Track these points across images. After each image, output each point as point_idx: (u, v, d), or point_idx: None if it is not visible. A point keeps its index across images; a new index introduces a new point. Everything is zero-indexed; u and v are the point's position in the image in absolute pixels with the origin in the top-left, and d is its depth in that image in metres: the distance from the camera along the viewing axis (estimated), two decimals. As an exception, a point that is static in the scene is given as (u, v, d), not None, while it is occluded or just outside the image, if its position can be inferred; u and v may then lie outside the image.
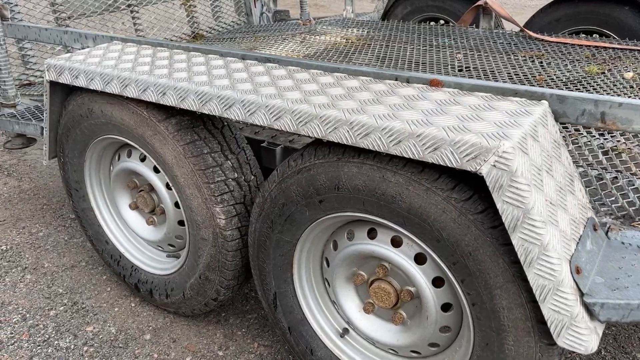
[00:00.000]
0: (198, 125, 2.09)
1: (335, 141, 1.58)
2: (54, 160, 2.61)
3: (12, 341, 2.42)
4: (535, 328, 1.47)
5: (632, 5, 3.74)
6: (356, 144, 1.54)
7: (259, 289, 2.10)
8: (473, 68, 3.19)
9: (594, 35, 3.90)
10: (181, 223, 2.32)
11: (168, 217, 2.33)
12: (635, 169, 1.99)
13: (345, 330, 2.01)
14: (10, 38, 3.12)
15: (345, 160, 1.63)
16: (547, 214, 1.38)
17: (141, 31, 4.27)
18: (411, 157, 1.45)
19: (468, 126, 1.43)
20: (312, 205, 1.76)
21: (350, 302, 1.95)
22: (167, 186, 2.28)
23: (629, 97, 2.71)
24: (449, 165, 1.40)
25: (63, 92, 2.42)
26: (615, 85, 2.85)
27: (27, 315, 2.57)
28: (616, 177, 1.92)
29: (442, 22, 4.52)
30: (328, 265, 1.94)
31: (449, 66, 3.24)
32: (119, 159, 2.43)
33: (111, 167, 2.51)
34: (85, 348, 2.38)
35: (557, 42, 3.58)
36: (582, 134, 2.31)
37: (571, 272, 1.39)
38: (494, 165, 1.34)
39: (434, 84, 1.76)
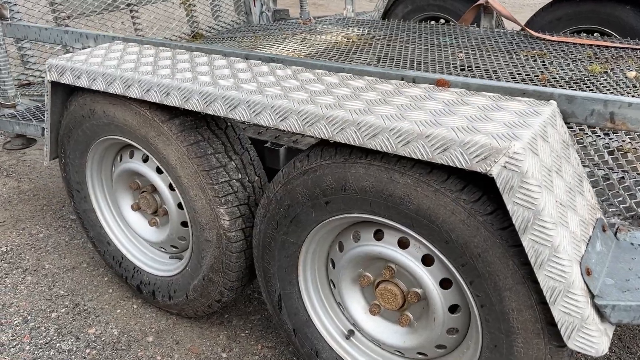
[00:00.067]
0: (202, 125, 2.07)
1: (343, 142, 1.57)
2: (54, 160, 2.59)
3: (14, 344, 2.40)
4: (545, 330, 1.46)
5: (633, 4, 3.73)
6: (364, 144, 1.53)
7: (264, 290, 2.09)
8: (475, 67, 3.18)
9: (595, 34, 3.89)
10: (184, 224, 2.30)
11: (171, 218, 2.31)
12: (641, 169, 1.98)
13: (351, 332, 2.00)
14: (9, 38, 3.10)
15: (352, 161, 1.62)
16: (558, 215, 1.37)
17: (140, 31, 4.25)
18: (420, 158, 1.44)
19: (477, 127, 1.42)
20: (318, 206, 1.75)
21: (356, 304, 1.93)
22: (170, 187, 2.26)
23: (633, 96, 2.70)
24: (459, 167, 1.38)
25: (64, 93, 2.40)
26: (618, 84, 2.84)
27: (29, 318, 2.55)
28: (623, 177, 1.91)
29: (442, 21, 4.51)
30: (334, 267, 1.93)
31: (451, 65, 3.23)
32: (121, 159, 2.41)
33: (113, 168, 2.49)
34: (87, 350, 2.36)
35: (559, 42, 3.57)
36: (587, 133, 2.30)
37: (582, 274, 1.38)
38: (505, 167, 1.33)
39: (441, 84, 1.75)
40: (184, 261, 2.34)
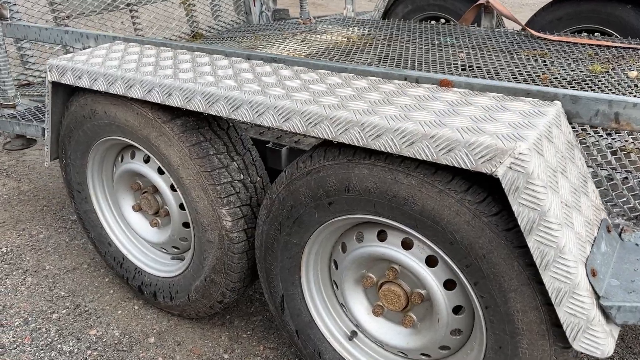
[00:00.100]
0: (204, 126, 2.06)
1: (346, 143, 1.56)
2: (54, 161, 2.58)
3: (15, 345, 2.39)
4: (550, 331, 1.46)
5: (634, 4, 3.73)
6: (368, 145, 1.52)
7: (266, 291, 2.08)
8: (476, 67, 3.17)
9: (596, 34, 3.89)
10: (186, 225, 2.30)
11: (172, 219, 2.30)
12: (645, 169, 1.98)
13: (354, 333, 1.99)
14: (8, 38, 3.08)
15: (356, 162, 1.61)
16: (563, 216, 1.37)
17: (140, 30, 4.24)
18: (424, 158, 1.43)
19: (482, 127, 1.41)
20: (321, 207, 1.74)
21: (359, 305, 1.93)
22: (172, 188, 2.26)
23: (635, 96, 2.70)
24: (464, 167, 1.38)
25: (65, 93, 2.39)
26: (620, 84, 2.84)
27: (29, 319, 2.54)
28: (626, 178, 1.91)
29: (442, 21, 4.50)
30: (336, 268, 1.92)
31: (452, 65, 3.22)
32: (122, 160, 2.40)
33: (114, 169, 2.48)
34: (89, 352, 2.35)
35: (560, 41, 3.57)
36: (589, 133, 2.29)
37: (587, 275, 1.37)
38: (510, 167, 1.32)
39: (444, 84, 1.74)
40: (185, 262, 2.34)
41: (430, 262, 1.68)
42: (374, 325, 1.91)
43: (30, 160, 4.13)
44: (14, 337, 2.43)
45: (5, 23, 3.01)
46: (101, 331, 2.46)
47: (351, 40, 3.81)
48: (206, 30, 4.62)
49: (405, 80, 1.82)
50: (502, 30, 3.88)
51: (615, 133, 2.27)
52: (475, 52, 3.44)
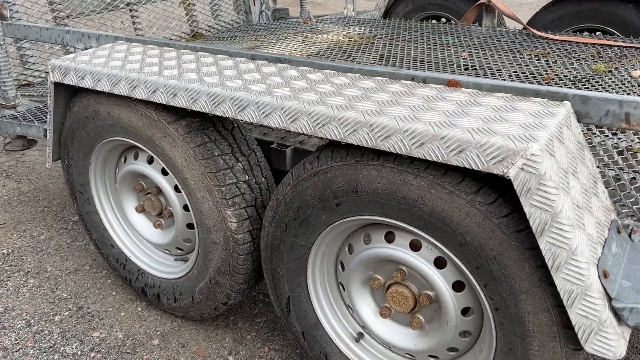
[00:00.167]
0: (208, 127, 2.05)
1: (355, 144, 1.55)
2: (55, 162, 2.56)
3: (17, 347, 2.37)
4: (561, 333, 1.45)
5: (636, 3, 3.72)
6: (376, 146, 1.51)
7: (272, 293, 2.07)
8: (479, 67, 3.16)
9: (597, 33, 3.88)
10: (190, 226, 2.28)
11: (176, 220, 2.29)
12: (652, 169, 1.97)
13: (360, 335, 1.98)
14: (8, 38, 3.06)
15: (364, 163, 1.60)
16: (575, 217, 1.36)
17: (140, 30, 4.22)
18: (435, 160, 1.42)
19: (493, 128, 1.40)
20: (328, 208, 1.73)
21: (366, 307, 1.92)
22: (176, 189, 2.24)
23: (638, 95, 2.69)
24: (475, 169, 1.37)
25: (67, 93, 2.37)
26: (624, 83, 2.83)
27: (32, 321, 2.52)
28: (634, 178, 1.90)
29: (443, 20, 4.49)
30: (343, 269, 1.91)
31: (455, 65, 3.21)
32: (125, 161, 2.39)
33: (117, 170, 2.46)
34: (92, 354, 2.33)
35: (562, 40, 3.56)
36: (595, 133, 2.29)
37: (599, 277, 1.37)
38: (522, 168, 1.31)
39: (452, 84, 1.73)
40: (189, 263, 2.32)
41: (439, 263, 1.67)
42: (381, 326, 1.90)
43: (30, 161, 4.10)
44: (17, 340, 2.41)
45: (5, 23, 2.99)
46: (104, 333, 2.45)
47: (353, 39, 3.80)
48: (206, 30, 4.60)
49: (412, 80, 1.81)
50: (504, 29, 3.87)
51: (621, 133, 2.27)
52: (477, 51, 3.43)
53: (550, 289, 1.42)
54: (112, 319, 2.53)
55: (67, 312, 2.57)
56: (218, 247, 2.09)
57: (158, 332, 2.45)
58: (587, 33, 3.80)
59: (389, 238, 1.75)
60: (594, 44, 3.45)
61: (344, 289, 1.95)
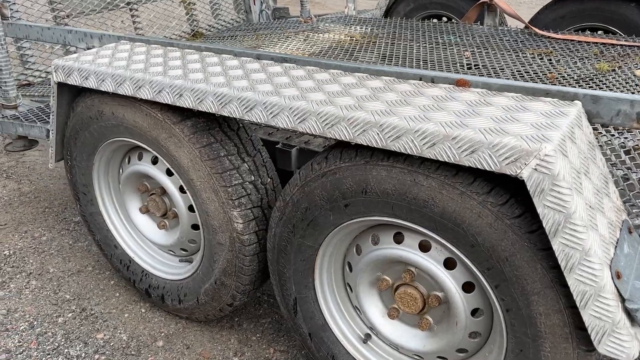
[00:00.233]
0: (214, 127, 2.04)
1: (364, 144, 1.54)
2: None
3: (21, 350, 2.35)
4: (574, 334, 1.44)
5: (638, 2, 3.72)
6: (387, 146, 1.50)
7: (278, 294, 2.05)
8: (482, 66, 3.15)
9: (599, 32, 3.88)
10: (195, 227, 2.27)
11: (181, 221, 2.27)
12: (660, 168, 1.96)
13: (368, 336, 1.97)
14: (8, 37, 3.04)
15: (374, 164, 1.59)
16: (588, 218, 1.35)
17: (140, 29, 4.21)
18: (446, 160, 1.41)
19: (505, 128, 1.39)
20: (336, 209, 1.72)
21: (374, 308, 1.90)
22: (181, 189, 2.22)
23: (643, 94, 2.68)
24: (487, 169, 1.36)
25: (70, 94, 2.35)
26: (628, 82, 2.83)
27: (35, 323, 2.50)
28: (643, 178, 1.89)
29: (445, 19, 4.48)
30: (350, 270, 1.90)
31: (458, 64, 3.20)
32: (129, 161, 2.37)
33: (120, 171, 2.45)
34: (96, 356, 2.32)
35: (564, 39, 3.55)
36: (601, 133, 2.28)
37: (612, 278, 1.36)
38: (536, 169, 1.30)
39: (461, 84, 1.72)
40: (194, 264, 2.31)
41: (448, 264, 1.66)
42: (389, 328, 1.89)
43: (30, 162, 4.08)
44: (20, 342, 2.40)
45: (6, 22, 2.97)
46: (108, 335, 2.43)
47: (354, 39, 3.78)
48: (206, 29, 4.59)
49: (421, 80, 1.80)
50: (506, 28, 3.86)
51: (628, 132, 2.26)
52: (480, 50, 3.42)
53: (563, 290, 1.41)
54: (115, 321, 2.51)
55: (70, 314, 2.56)
56: (224, 248, 2.08)
57: (162, 334, 2.43)
58: (589, 32, 3.79)
59: (398, 239, 1.74)
60: (597, 43, 3.44)
61: (351, 290, 1.94)
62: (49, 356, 2.32)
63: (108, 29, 4.15)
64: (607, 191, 1.52)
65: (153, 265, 2.48)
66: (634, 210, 1.72)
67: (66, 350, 2.35)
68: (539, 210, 1.33)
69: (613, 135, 2.25)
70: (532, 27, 3.71)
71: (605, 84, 2.81)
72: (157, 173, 2.25)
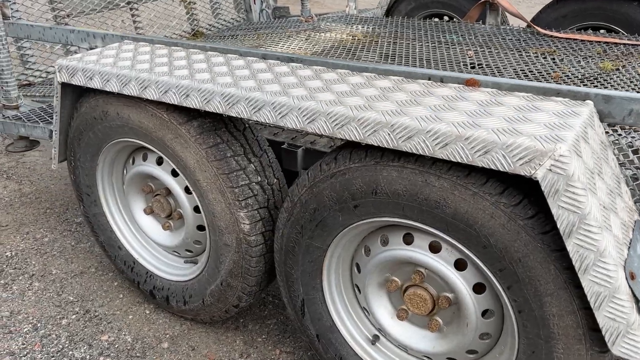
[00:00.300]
0: (220, 127, 2.02)
1: (375, 145, 1.53)
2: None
3: (25, 352, 2.34)
4: (587, 335, 1.43)
5: (640, 1, 3.72)
6: (398, 147, 1.49)
7: (285, 295, 2.04)
8: (486, 65, 3.15)
9: (601, 31, 3.88)
10: (200, 228, 2.25)
11: (187, 222, 2.26)
12: (669, 168, 1.95)
13: (376, 337, 1.96)
14: (9, 37, 3.02)
15: (384, 164, 1.58)
16: (602, 218, 1.34)
17: (141, 29, 4.19)
18: (459, 161, 1.40)
19: (518, 128, 1.38)
20: (346, 210, 1.71)
21: (383, 309, 1.89)
22: (186, 190, 2.21)
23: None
24: (501, 170, 1.35)
25: (74, 94, 2.34)
26: (632, 81, 2.82)
27: (39, 325, 2.49)
28: (652, 177, 1.89)
29: (446, 18, 4.47)
30: (359, 271, 1.89)
31: (461, 63, 3.19)
32: (133, 162, 2.35)
33: (125, 171, 2.43)
34: (101, 358, 2.30)
35: (567, 39, 3.55)
36: (608, 132, 2.27)
37: (626, 279, 1.35)
38: (550, 170, 1.29)
39: (471, 83, 1.71)
40: (199, 265, 2.29)
41: (459, 265, 1.65)
42: (398, 329, 1.88)
43: (31, 162, 4.05)
44: (24, 344, 2.38)
45: (7, 22, 2.95)
46: (113, 337, 2.42)
47: (356, 38, 3.77)
48: (206, 29, 4.57)
49: (429, 79, 1.79)
50: (508, 27, 3.85)
51: (635, 131, 2.25)
52: (482, 49, 3.41)
53: (577, 291, 1.40)
54: (120, 322, 2.50)
55: (74, 316, 2.54)
56: (230, 249, 2.06)
57: (167, 335, 2.42)
58: (591, 31, 3.79)
59: (407, 239, 1.73)
60: (600, 42, 3.43)
61: (359, 291, 1.93)
62: (53, 358, 2.30)
63: (108, 28, 4.13)
64: (619, 191, 1.51)
65: (157, 267, 2.46)
66: (644, 211, 1.71)
67: (71, 352, 2.34)
68: (554, 211, 1.32)
69: (620, 134, 2.24)
70: (535, 26, 3.71)
71: (610, 83, 2.81)
72: (162, 174, 2.23)
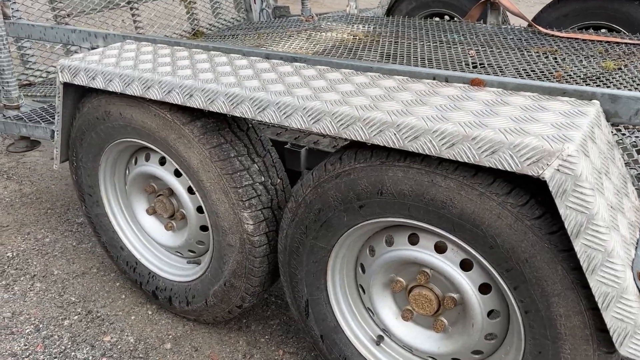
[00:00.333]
0: (224, 127, 2.01)
1: (381, 145, 1.52)
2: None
3: (27, 353, 2.33)
4: (594, 336, 1.43)
5: (641, 0, 3.72)
6: (404, 147, 1.48)
7: (289, 296, 2.03)
8: (488, 64, 3.14)
9: (603, 30, 3.87)
10: (203, 228, 2.24)
11: (189, 223, 2.25)
12: (673, 167, 1.95)
13: (380, 338, 1.95)
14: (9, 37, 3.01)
15: (390, 164, 1.57)
16: (610, 219, 1.33)
17: (141, 28, 4.18)
18: (466, 161, 1.39)
19: (525, 128, 1.37)
20: (351, 210, 1.70)
21: (387, 309, 1.89)
22: (189, 190, 2.20)
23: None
24: (508, 170, 1.34)
25: (76, 94, 2.33)
26: (635, 81, 2.82)
27: (40, 326, 2.48)
28: (657, 177, 1.88)
29: (447, 17, 4.47)
30: (363, 272, 1.88)
31: (463, 63, 3.19)
32: (135, 162, 2.35)
33: (127, 171, 2.42)
34: (104, 359, 2.29)
35: (569, 38, 3.54)
36: (611, 131, 2.27)
37: (634, 279, 1.34)
38: (558, 170, 1.29)
39: (476, 83, 1.70)
40: (202, 266, 2.28)
41: (465, 265, 1.65)
42: (403, 329, 1.87)
43: (31, 162, 4.04)
44: (26, 345, 2.37)
45: (8, 22, 2.94)
46: (115, 337, 2.41)
47: (357, 37, 3.76)
48: (207, 28, 4.56)
49: (434, 79, 1.78)
50: (509, 27, 3.85)
51: (639, 131, 2.25)
52: (484, 49, 3.41)
53: (584, 292, 1.40)
54: (122, 323, 2.49)
55: (76, 317, 2.53)
56: (234, 249, 2.05)
57: (170, 336, 2.41)
58: (592, 30, 3.79)
59: (412, 240, 1.73)
60: (601, 41, 3.43)
61: (363, 291, 1.93)
62: (55, 359, 2.30)
63: (109, 28, 4.12)
64: (626, 191, 1.50)
65: (160, 267, 2.45)
66: (650, 210, 1.71)
67: (73, 353, 2.33)
68: (561, 211, 1.31)
69: (624, 134, 2.24)
70: (536, 26, 3.70)
71: (612, 82, 2.80)
72: (165, 174, 2.22)
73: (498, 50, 3.37)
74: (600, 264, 1.32)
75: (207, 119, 2.00)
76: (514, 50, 3.36)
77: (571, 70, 2.99)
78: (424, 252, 1.69)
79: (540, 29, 3.66)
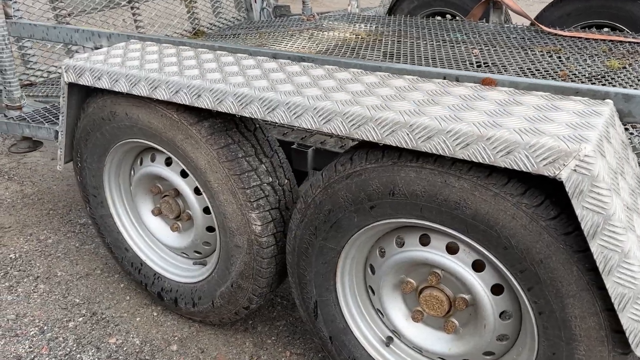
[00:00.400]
0: (231, 128, 2.00)
1: (393, 145, 1.51)
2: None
3: (32, 356, 2.31)
4: (610, 337, 1.42)
5: (644, -1, 3.72)
6: (417, 147, 1.47)
7: (298, 297, 2.02)
8: (492, 63, 3.13)
9: (605, 29, 3.87)
10: (209, 229, 2.23)
11: (196, 224, 2.23)
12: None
13: (390, 339, 1.94)
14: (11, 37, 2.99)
15: (402, 165, 1.56)
16: (626, 219, 1.32)
17: (142, 28, 4.16)
18: (481, 161, 1.38)
19: (540, 128, 1.36)
20: (361, 211, 1.69)
21: (397, 311, 1.88)
22: (195, 191, 2.18)
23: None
24: (524, 170, 1.33)
25: (80, 94, 2.31)
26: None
27: (45, 328, 2.46)
28: (668, 177, 1.87)
29: (449, 16, 4.46)
30: (373, 273, 1.87)
31: (467, 62, 3.18)
32: (141, 163, 2.33)
33: (132, 172, 2.40)
34: (110, 361, 2.28)
35: (572, 37, 3.54)
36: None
37: (650, 280, 1.33)
38: (575, 170, 1.28)
39: (487, 82, 1.69)
40: (209, 267, 2.27)
41: (477, 266, 1.63)
42: (413, 330, 1.86)
43: (32, 163, 4.02)
44: (31, 348, 2.35)
45: (9, 22, 2.92)
46: (121, 339, 2.39)
47: (359, 36, 3.75)
48: (207, 28, 4.54)
49: (445, 79, 1.77)
50: (512, 26, 3.84)
51: (646, 130, 2.24)
52: (487, 48, 3.39)
53: (599, 293, 1.39)
54: (127, 325, 2.47)
55: (80, 318, 2.51)
56: (241, 250, 2.04)
57: (176, 338, 2.40)
58: (595, 29, 3.78)
59: (424, 241, 1.72)
60: (605, 40, 3.43)
61: (373, 292, 1.91)
62: (61, 362, 2.28)
63: (109, 27, 4.10)
64: (640, 191, 1.49)
65: (165, 268, 2.44)
66: (663, 210, 1.70)
67: (78, 355, 2.31)
68: (578, 212, 1.30)
69: (632, 133, 2.23)
70: (539, 25, 3.69)
71: (617, 81, 2.80)
72: (171, 175, 2.20)
73: (502, 49, 3.36)
74: (617, 265, 1.31)
75: (215, 119, 1.98)
76: (517, 49, 3.35)
77: (576, 70, 2.98)
78: (436, 253, 1.68)
79: (544, 28, 3.65)
